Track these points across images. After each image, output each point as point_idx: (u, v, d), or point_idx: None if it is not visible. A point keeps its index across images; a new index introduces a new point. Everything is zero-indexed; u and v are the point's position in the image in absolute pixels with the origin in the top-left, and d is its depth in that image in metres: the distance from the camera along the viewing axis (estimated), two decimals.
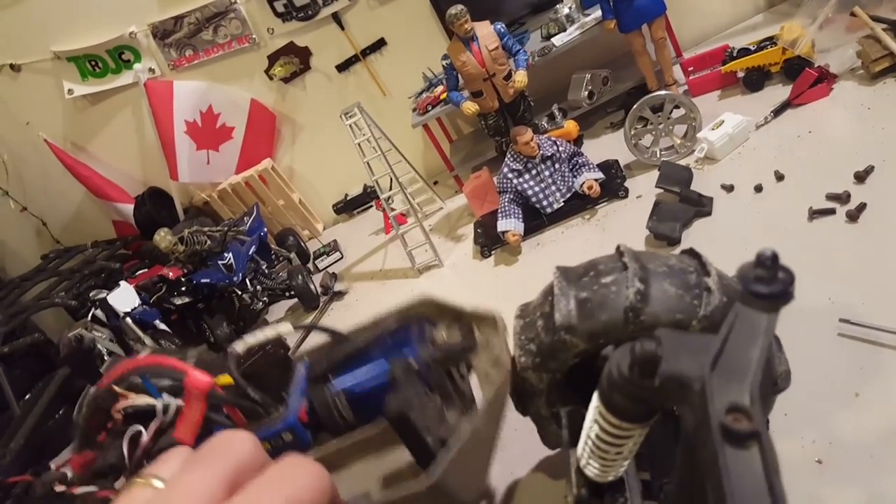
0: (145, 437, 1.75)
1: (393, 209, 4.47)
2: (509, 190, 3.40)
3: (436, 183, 4.67)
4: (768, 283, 0.63)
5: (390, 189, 3.78)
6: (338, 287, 4.11)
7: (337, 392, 1.65)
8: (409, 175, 4.29)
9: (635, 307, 1.41)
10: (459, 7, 3.34)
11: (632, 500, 1.36)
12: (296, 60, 4.47)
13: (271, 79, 4.55)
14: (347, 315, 3.81)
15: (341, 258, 4.51)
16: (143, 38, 4.39)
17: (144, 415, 1.78)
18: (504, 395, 1.67)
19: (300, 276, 4.03)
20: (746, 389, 0.60)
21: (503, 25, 3.47)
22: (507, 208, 3.38)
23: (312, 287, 4.04)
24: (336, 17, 4.31)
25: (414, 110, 4.21)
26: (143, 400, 1.78)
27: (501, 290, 3.23)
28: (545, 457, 2.08)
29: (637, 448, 1.16)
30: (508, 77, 3.51)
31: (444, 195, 4.44)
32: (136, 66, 4.48)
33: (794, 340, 1.62)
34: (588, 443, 1.27)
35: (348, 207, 5.01)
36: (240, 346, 1.72)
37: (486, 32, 3.43)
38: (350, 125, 3.70)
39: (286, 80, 4.54)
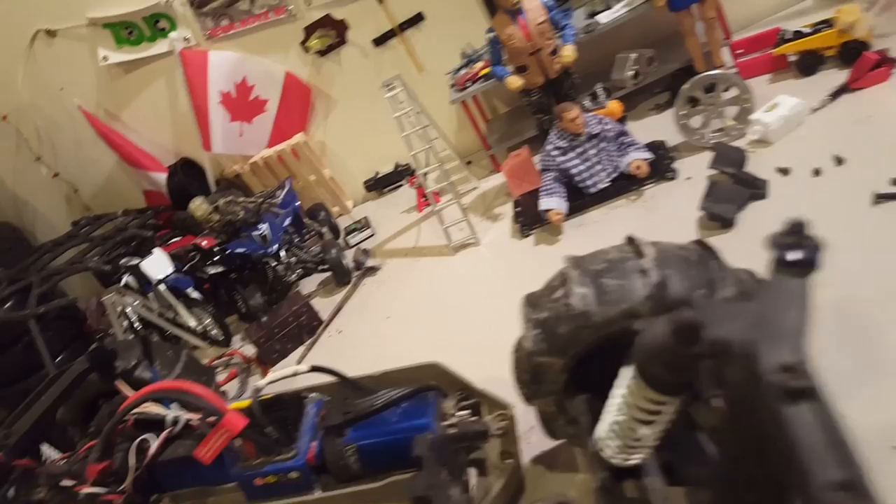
0: (154, 446, 1.81)
1: (427, 187, 4.39)
2: (553, 168, 3.30)
3: (468, 163, 4.57)
4: (798, 250, 0.67)
5: (426, 166, 3.68)
6: (370, 263, 4.03)
7: (350, 446, 1.69)
8: (444, 153, 4.19)
9: (656, 294, 1.38)
10: None
11: (654, 482, 1.34)
12: (332, 33, 4.36)
13: (307, 51, 4.44)
14: (381, 291, 3.72)
15: (373, 235, 4.42)
16: (179, 7, 4.29)
17: (153, 422, 1.83)
18: (512, 486, 1.72)
19: (334, 251, 3.95)
20: (795, 349, 0.62)
21: (551, 0, 3.35)
22: (550, 186, 3.28)
23: (345, 262, 3.96)
24: None
25: (452, 86, 4.10)
26: (155, 410, 1.83)
27: (541, 270, 3.08)
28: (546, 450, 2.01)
29: (665, 427, 1.15)
30: (555, 53, 3.39)
31: (478, 175, 4.34)
32: (172, 34, 4.38)
33: (866, 325, 1.53)
34: (615, 425, 1.24)
35: (379, 185, 4.91)
36: (263, 382, 1.75)
37: (534, 6, 3.31)
38: (390, 97, 3.59)
39: (322, 53, 4.43)
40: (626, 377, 1.16)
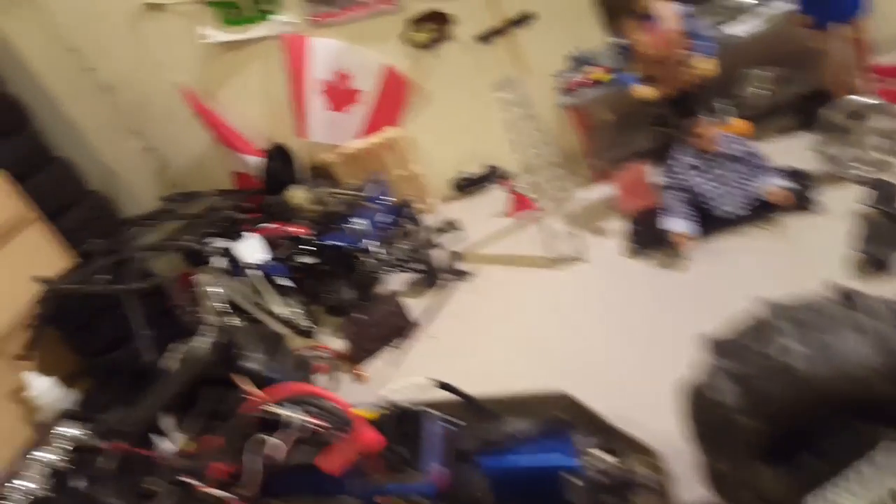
0: (281, 450, 1.66)
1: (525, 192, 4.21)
2: (678, 186, 3.11)
3: (568, 171, 4.39)
4: None
5: (529, 171, 3.53)
6: (462, 267, 3.90)
7: (481, 477, 1.56)
8: (547, 159, 4.02)
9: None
10: None
11: None
12: (436, 28, 4.23)
13: (408, 45, 4.31)
14: (475, 299, 3.59)
15: (462, 237, 4.28)
16: None
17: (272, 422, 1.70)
18: None
19: (426, 251, 3.84)
20: None
21: (689, 8, 3.14)
22: (674, 206, 3.09)
23: (437, 263, 3.85)
24: None
25: (560, 90, 3.93)
26: (285, 412, 1.68)
27: (660, 298, 2.94)
28: None
29: None
30: (686, 64, 3.18)
31: (579, 184, 4.16)
32: (275, 17, 4.30)
33: None
34: None
35: (467, 185, 4.78)
36: (385, 396, 1.67)
37: (670, 13, 3.12)
38: (503, 99, 3.44)
39: (423, 47, 4.30)
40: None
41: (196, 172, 5.01)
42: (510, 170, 4.67)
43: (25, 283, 3.90)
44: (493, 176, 4.72)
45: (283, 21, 4.26)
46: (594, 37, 4.09)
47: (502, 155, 4.64)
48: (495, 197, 4.56)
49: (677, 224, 3.04)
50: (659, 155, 3.53)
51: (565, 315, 3.12)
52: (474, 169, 4.77)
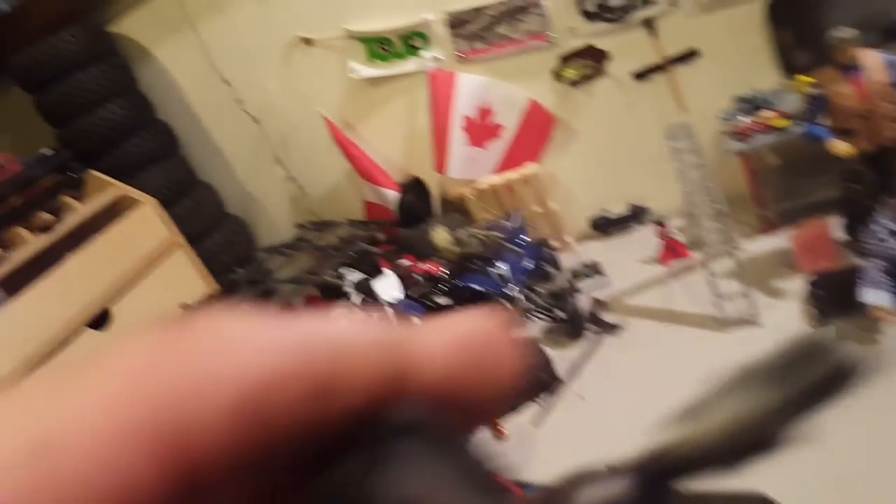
0: None
1: (672, 237, 4.04)
2: (882, 255, 2.83)
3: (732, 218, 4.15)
4: None
5: (681, 216, 3.34)
6: (609, 319, 3.74)
7: None
8: (712, 206, 3.81)
9: None
10: (852, 31, 2.79)
11: None
12: (590, 64, 4.12)
13: (558, 80, 4.23)
14: (628, 358, 3.42)
15: (606, 283, 4.12)
16: (438, 27, 4.23)
17: None
18: None
19: (570, 298, 3.72)
20: None
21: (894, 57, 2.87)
22: (876, 277, 2.81)
23: (581, 312, 3.71)
24: (648, 23, 3.88)
25: (729, 134, 3.71)
26: None
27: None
28: None
29: None
30: (893, 118, 2.91)
31: (744, 234, 3.89)
32: (424, 53, 4.34)
33: None
34: None
35: (609, 225, 4.61)
36: None
37: (876, 63, 2.86)
38: (672, 147, 3.29)
39: (574, 83, 4.20)
40: None
41: (331, 201, 5.16)
42: (656, 211, 4.49)
43: (172, 308, 4.12)
44: (637, 217, 4.54)
45: (431, 57, 4.30)
46: (765, 77, 3.85)
47: (649, 196, 4.51)
48: (639, 240, 4.37)
49: (879, 297, 2.76)
50: (846, 212, 3.26)
51: None
52: (618, 209, 4.61)
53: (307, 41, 4.56)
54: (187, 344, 0.17)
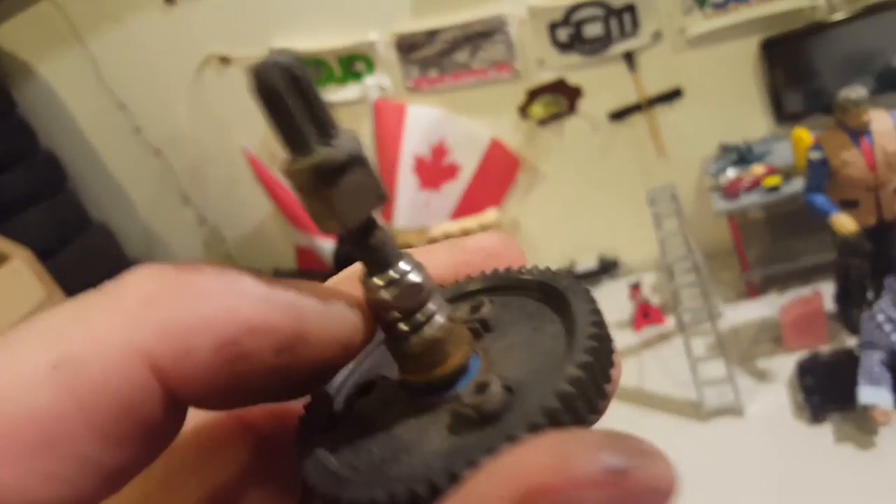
0: None
1: (646, 302, 4.01)
2: (882, 347, 2.83)
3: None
4: None
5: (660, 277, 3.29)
6: None
7: None
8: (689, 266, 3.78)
9: None
10: (862, 92, 2.77)
11: None
12: (561, 100, 4.02)
13: (524, 117, 4.11)
14: None
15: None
16: (384, 50, 4.04)
17: None
18: None
19: None
20: None
21: None
22: (876, 372, 2.80)
23: None
24: (628, 57, 3.82)
25: (716, 189, 3.68)
26: None
27: (841, 485, 2.66)
28: None
29: None
30: None
31: (725, 297, 3.90)
32: (367, 79, 4.15)
33: None
34: None
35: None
36: None
37: (886, 128, 2.86)
38: (655, 213, 3.22)
39: (543, 121, 4.10)
40: None
41: (253, 247, 4.88)
42: (629, 264, 4.46)
43: None
44: (608, 271, 4.49)
45: (376, 85, 4.10)
46: (755, 123, 3.86)
47: (621, 248, 4.48)
48: (610, 297, 4.30)
49: (879, 395, 2.75)
50: (842, 286, 3.28)
51: (708, 488, 2.85)
52: (587, 261, 4.54)
53: (224, 60, 4.28)
54: (189, 286, 0.22)
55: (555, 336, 0.26)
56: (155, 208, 4.76)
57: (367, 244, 0.25)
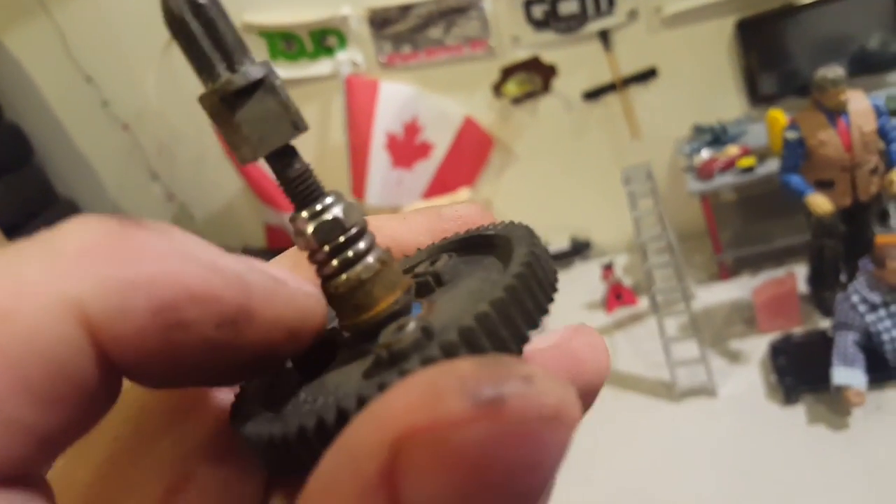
0: None
1: (619, 283, 3.89)
2: (856, 327, 2.71)
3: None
4: None
5: (633, 260, 3.16)
6: None
7: None
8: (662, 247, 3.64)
9: None
10: (840, 72, 2.64)
11: None
12: (535, 79, 3.85)
13: (498, 95, 3.94)
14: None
15: (540, 330, 3.89)
16: (356, 25, 3.84)
17: None
18: None
19: None
20: None
21: (883, 101, 2.76)
22: (850, 353, 2.69)
23: None
24: (604, 36, 3.65)
25: (690, 170, 3.54)
26: None
27: (811, 463, 2.56)
28: None
29: None
30: (875, 171, 2.80)
31: (697, 279, 3.77)
32: (339, 54, 3.95)
33: None
34: None
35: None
36: None
37: (862, 108, 2.73)
38: (630, 192, 3.07)
39: (516, 100, 3.93)
40: None
41: (223, 225, 4.68)
42: (601, 245, 4.34)
43: None
44: (580, 252, 4.35)
45: (348, 60, 3.90)
46: (729, 104, 3.72)
47: (594, 228, 4.34)
48: (582, 279, 4.18)
49: (853, 377, 2.64)
50: (815, 267, 3.16)
51: (679, 468, 2.74)
52: (560, 242, 4.39)
53: None
54: (131, 242, 0.19)
55: (495, 283, 0.24)
56: (122, 184, 4.54)
57: (286, 175, 0.25)
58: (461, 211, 0.32)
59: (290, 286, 0.22)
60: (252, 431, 0.21)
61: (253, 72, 0.23)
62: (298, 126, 0.24)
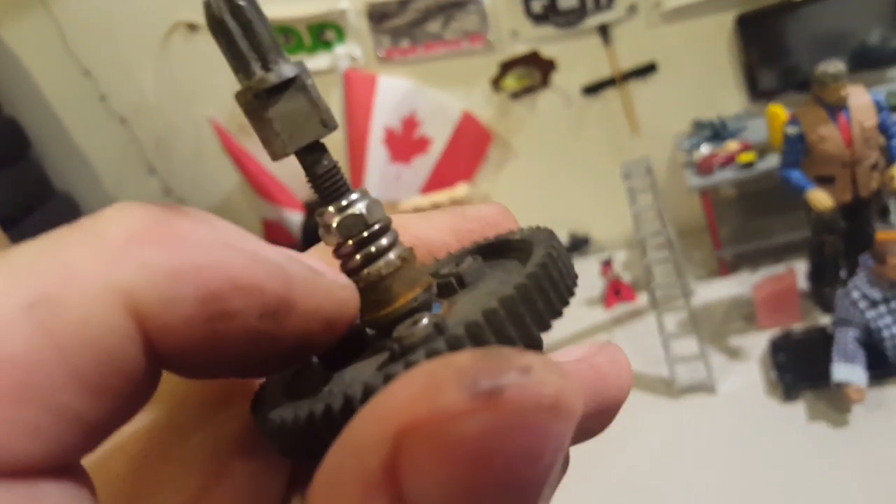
0: None
1: (618, 279, 3.86)
2: (856, 324, 2.68)
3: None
4: None
5: (632, 255, 3.13)
6: None
7: None
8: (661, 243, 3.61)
9: None
10: (841, 66, 2.60)
11: None
12: (534, 73, 3.81)
13: (497, 91, 3.90)
14: None
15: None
16: (355, 19, 3.80)
17: None
18: None
19: None
20: None
21: (884, 96, 2.72)
22: (850, 350, 2.66)
23: None
24: (603, 30, 3.61)
25: (690, 165, 3.50)
26: None
27: (810, 460, 2.53)
28: None
29: None
30: (875, 167, 2.76)
31: (696, 275, 3.74)
32: (337, 49, 3.90)
33: None
34: None
35: None
36: None
37: (863, 103, 2.69)
38: (629, 187, 3.04)
39: (515, 95, 3.89)
40: None
41: (222, 217, 4.62)
42: (600, 241, 4.30)
43: None
44: (579, 248, 4.31)
45: (346, 54, 3.86)
46: (729, 100, 3.68)
47: (593, 223, 4.31)
48: (579, 275, 4.11)
49: (853, 373, 2.61)
50: (815, 263, 3.13)
51: (679, 465, 2.71)
52: (561, 237, 4.36)
53: (191, 27, 4.01)
54: (176, 229, 0.19)
55: (511, 283, 0.23)
56: (120, 178, 4.49)
57: (314, 171, 0.25)
58: (484, 211, 0.32)
59: (328, 277, 0.22)
60: (266, 417, 0.22)
61: (286, 71, 0.24)
62: (327, 124, 0.25)
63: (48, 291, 0.17)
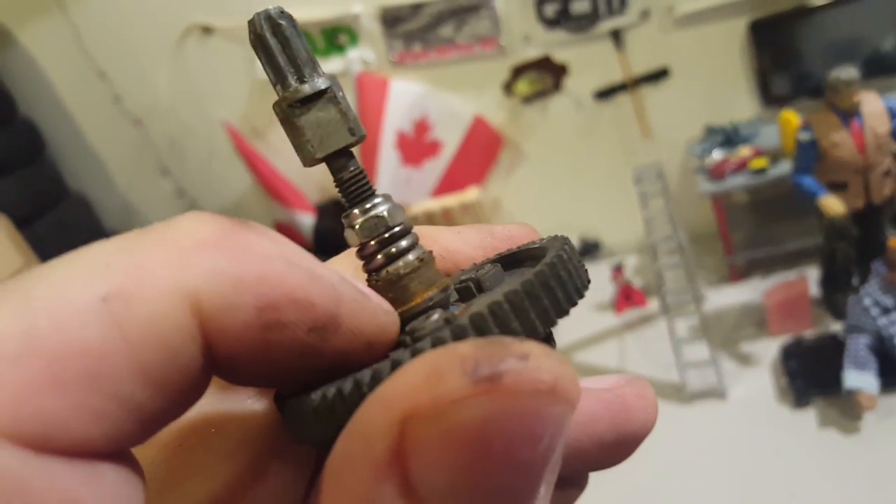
0: None
1: (629, 284, 3.86)
2: (868, 331, 2.67)
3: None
4: None
5: (643, 260, 3.13)
6: None
7: None
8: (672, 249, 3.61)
9: None
10: (853, 72, 2.60)
11: None
12: (546, 78, 3.83)
13: (508, 95, 3.92)
14: None
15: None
16: (368, 23, 3.82)
17: None
18: None
19: None
20: None
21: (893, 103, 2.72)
22: (862, 357, 2.65)
23: None
24: (616, 35, 3.62)
25: (701, 171, 3.50)
26: None
27: (821, 468, 2.53)
28: None
29: None
30: (887, 173, 2.76)
31: (708, 280, 3.74)
32: (350, 52, 3.93)
33: None
34: None
35: None
36: None
37: (876, 110, 2.69)
38: (640, 192, 3.05)
39: (527, 99, 3.90)
40: None
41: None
42: (611, 246, 4.31)
43: None
44: (590, 253, 4.32)
45: (359, 58, 3.89)
46: (742, 105, 3.68)
47: (604, 228, 4.32)
48: (596, 280, 4.14)
49: (865, 380, 2.61)
50: (827, 270, 3.12)
51: (689, 471, 2.71)
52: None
53: (206, 29, 4.05)
54: (242, 240, 0.20)
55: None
56: (133, 179, 4.54)
57: (341, 176, 0.27)
58: (513, 231, 0.33)
59: (373, 301, 0.23)
60: (285, 403, 0.23)
61: (319, 83, 0.26)
62: (355, 132, 0.26)
63: (122, 287, 0.18)
